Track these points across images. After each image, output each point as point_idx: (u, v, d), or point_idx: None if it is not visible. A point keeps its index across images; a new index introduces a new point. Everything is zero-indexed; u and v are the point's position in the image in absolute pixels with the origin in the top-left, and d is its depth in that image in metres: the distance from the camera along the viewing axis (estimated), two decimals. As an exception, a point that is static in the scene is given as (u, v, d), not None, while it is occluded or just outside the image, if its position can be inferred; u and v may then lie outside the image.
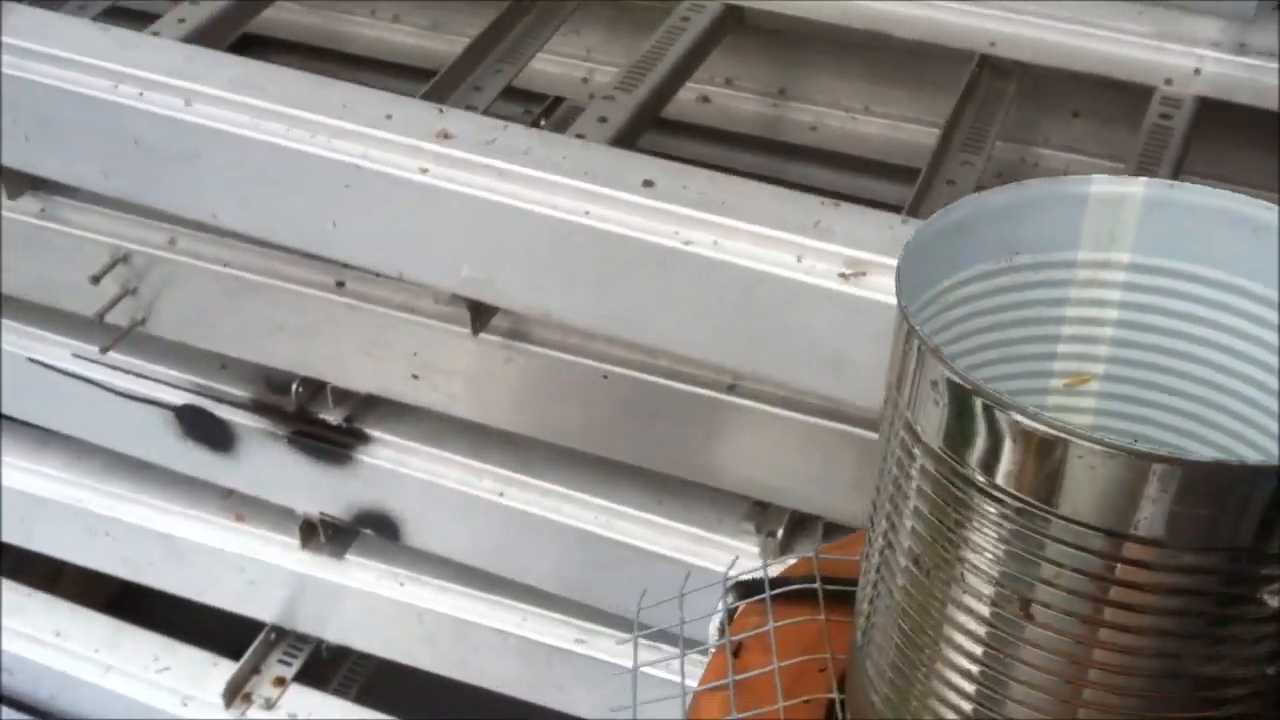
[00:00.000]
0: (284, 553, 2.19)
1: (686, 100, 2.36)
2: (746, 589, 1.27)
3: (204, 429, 2.09)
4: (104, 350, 2.01)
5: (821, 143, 2.35)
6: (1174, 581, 0.89)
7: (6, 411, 2.28)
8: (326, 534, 2.16)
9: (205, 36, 1.99)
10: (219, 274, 1.95)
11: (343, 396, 2.05)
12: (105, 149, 1.82)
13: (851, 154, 2.30)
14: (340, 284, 1.90)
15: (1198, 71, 2.00)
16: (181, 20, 2.01)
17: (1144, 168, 1.88)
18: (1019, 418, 0.89)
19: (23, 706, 2.33)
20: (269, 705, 2.22)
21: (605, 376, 1.83)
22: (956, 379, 0.91)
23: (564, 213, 1.65)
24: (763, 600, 1.25)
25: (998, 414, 0.90)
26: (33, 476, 2.31)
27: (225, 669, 2.26)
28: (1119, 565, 0.88)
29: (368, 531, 2.12)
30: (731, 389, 1.79)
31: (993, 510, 0.92)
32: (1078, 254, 1.12)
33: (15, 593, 2.37)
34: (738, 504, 1.93)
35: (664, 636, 1.34)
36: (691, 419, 1.82)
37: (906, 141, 2.26)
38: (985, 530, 0.93)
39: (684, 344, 1.70)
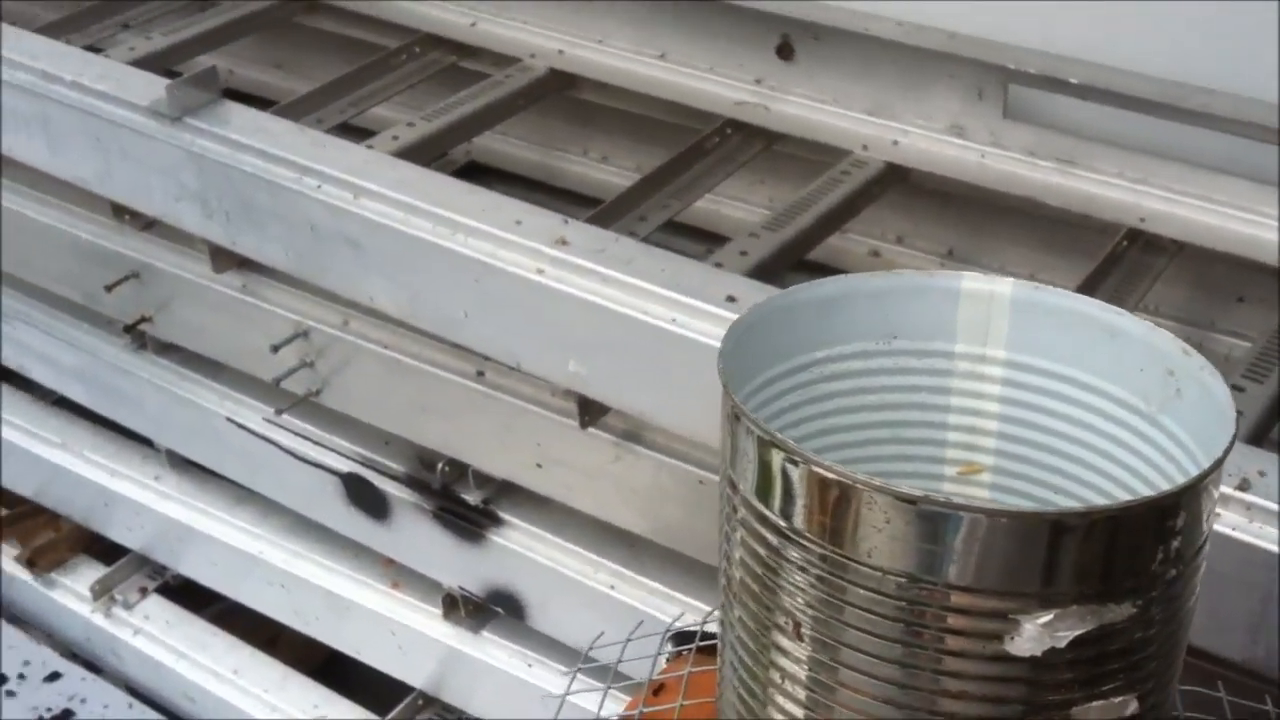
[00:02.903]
0: (428, 622, 2.36)
1: (858, 254, 2.49)
2: (680, 639, 1.39)
3: (365, 497, 2.32)
4: (278, 413, 2.26)
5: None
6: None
7: (208, 466, 2.56)
8: (466, 608, 2.33)
9: (411, 154, 2.25)
10: (380, 355, 2.18)
11: (484, 480, 2.23)
12: (287, 232, 2.09)
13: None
14: (480, 373, 2.11)
15: (1348, 265, 2.02)
16: (395, 138, 2.30)
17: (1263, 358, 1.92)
18: (821, 470, 1.00)
19: (201, 733, 2.57)
20: (407, 761, 2.40)
21: (701, 482, 1.95)
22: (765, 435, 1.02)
23: (653, 318, 1.82)
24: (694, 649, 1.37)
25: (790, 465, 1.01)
26: (227, 528, 2.57)
27: (375, 723, 2.45)
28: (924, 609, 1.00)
29: (499, 610, 2.29)
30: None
31: (797, 556, 1.03)
32: (955, 345, 1.22)
33: (202, 630, 2.63)
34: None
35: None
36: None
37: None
38: (795, 577, 1.05)
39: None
